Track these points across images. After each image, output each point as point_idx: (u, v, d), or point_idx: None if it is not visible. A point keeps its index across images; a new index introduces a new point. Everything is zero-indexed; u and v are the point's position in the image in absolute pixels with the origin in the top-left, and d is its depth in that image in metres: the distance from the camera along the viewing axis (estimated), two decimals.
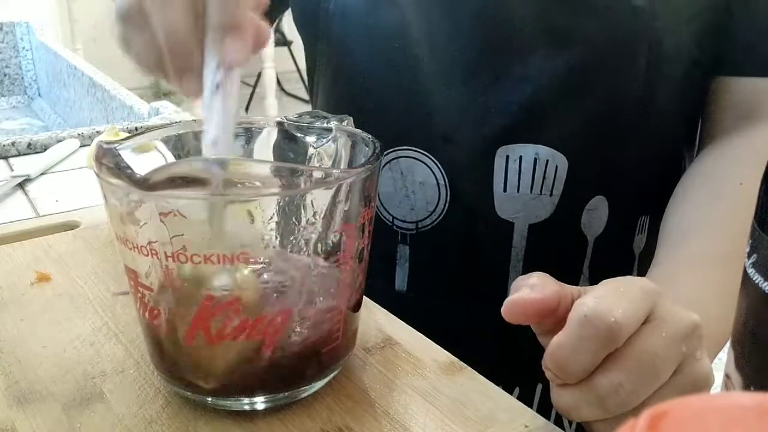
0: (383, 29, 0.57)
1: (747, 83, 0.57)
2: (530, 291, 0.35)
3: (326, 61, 0.63)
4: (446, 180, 0.58)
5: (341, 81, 0.62)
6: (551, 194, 0.57)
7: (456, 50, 0.55)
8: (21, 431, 0.37)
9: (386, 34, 0.57)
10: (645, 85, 0.55)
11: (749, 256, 0.27)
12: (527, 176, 0.56)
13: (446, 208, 0.58)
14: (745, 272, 0.27)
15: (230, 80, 0.38)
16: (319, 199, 0.35)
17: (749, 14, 0.55)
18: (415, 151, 0.58)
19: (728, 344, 0.29)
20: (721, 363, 0.31)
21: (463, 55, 0.55)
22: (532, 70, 0.54)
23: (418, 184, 0.58)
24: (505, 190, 0.57)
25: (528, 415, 0.38)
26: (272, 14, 0.72)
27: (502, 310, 0.36)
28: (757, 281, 0.26)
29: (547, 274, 0.37)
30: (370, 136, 0.41)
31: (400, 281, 0.63)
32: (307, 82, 0.69)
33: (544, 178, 0.56)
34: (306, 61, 0.68)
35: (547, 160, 0.55)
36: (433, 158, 0.58)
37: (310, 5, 0.62)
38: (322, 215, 0.35)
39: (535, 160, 0.56)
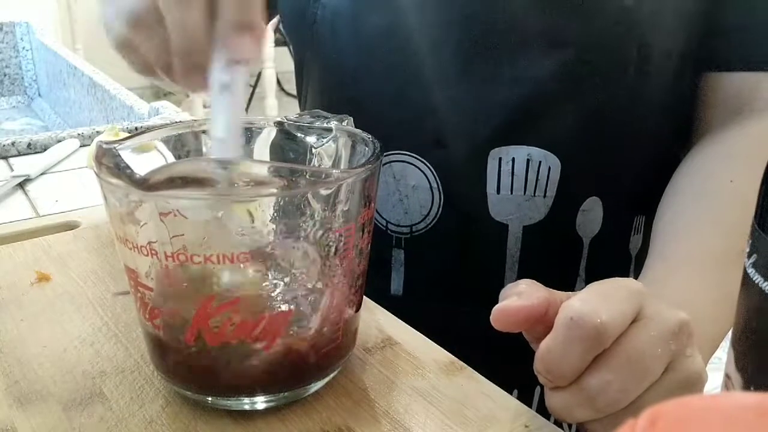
0: (372, 33, 0.57)
1: (735, 79, 0.57)
2: (518, 298, 0.36)
3: (315, 66, 0.63)
4: (439, 183, 0.58)
5: (330, 85, 0.62)
6: (545, 196, 0.57)
7: (446, 53, 0.55)
8: (21, 431, 0.37)
9: (375, 38, 0.57)
10: (636, 84, 0.55)
11: (749, 256, 0.27)
12: (520, 178, 0.56)
13: (440, 211, 0.58)
14: (745, 272, 0.27)
15: (238, 80, 0.39)
16: (319, 199, 0.35)
17: (736, 10, 0.55)
18: (407, 155, 0.58)
19: (728, 344, 0.29)
20: (721, 363, 0.31)
21: (454, 58, 0.55)
22: (523, 72, 0.54)
23: (411, 187, 0.58)
24: (498, 192, 0.57)
25: (528, 415, 0.38)
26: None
27: (491, 318, 0.36)
28: (757, 281, 0.26)
29: (536, 281, 0.37)
30: (370, 136, 0.41)
31: (396, 285, 0.62)
32: (296, 86, 0.69)
33: (537, 179, 0.56)
34: (295, 64, 0.68)
35: (540, 162, 0.55)
36: (425, 162, 0.57)
37: (296, 10, 0.62)
38: (322, 215, 0.35)
39: (528, 161, 0.56)
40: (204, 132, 0.44)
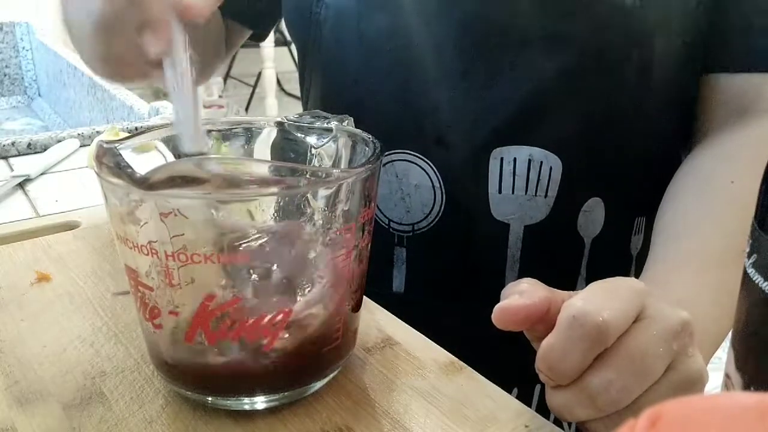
0: (375, 33, 0.57)
1: (737, 79, 0.57)
2: (520, 297, 0.36)
3: (317, 67, 0.63)
4: (441, 182, 0.58)
5: (333, 86, 0.62)
6: (546, 196, 0.57)
7: (448, 53, 0.55)
8: (21, 431, 0.37)
9: (378, 38, 0.57)
10: (638, 85, 0.55)
11: (749, 256, 0.27)
12: (521, 178, 0.56)
13: (442, 210, 0.58)
14: (745, 272, 0.27)
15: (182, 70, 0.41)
16: (319, 199, 0.35)
17: (739, 10, 0.55)
18: (410, 154, 0.58)
19: (728, 344, 0.29)
20: (721, 363, 0.31)
21: (456, 58, 0.55)
22: (525, 72, 0.54)
23: (413, 186, 0.59)
24: (499, 191, 0.57)
25: (528, 414, 0.38)
26: (267, 22, 0.72)
27: (493, 316, 0.36)
28: (757, 281, 0.26)
29: (538, 281, 0.37)
30: (370, 136, 0.41)
31: (398, 283, 0.63)
32: (299, 86, 0.70)
33: (538, 179, 0.56)
34: (298, 65, 0.68)
35: (541, 162, 0.55)
36: (427, 161, 0.58)
37: (299, 9, 0.62)
38: (322, 215, 0.35)
39: (529, 161, 0.56)
40: (208, 132, 0.44)
